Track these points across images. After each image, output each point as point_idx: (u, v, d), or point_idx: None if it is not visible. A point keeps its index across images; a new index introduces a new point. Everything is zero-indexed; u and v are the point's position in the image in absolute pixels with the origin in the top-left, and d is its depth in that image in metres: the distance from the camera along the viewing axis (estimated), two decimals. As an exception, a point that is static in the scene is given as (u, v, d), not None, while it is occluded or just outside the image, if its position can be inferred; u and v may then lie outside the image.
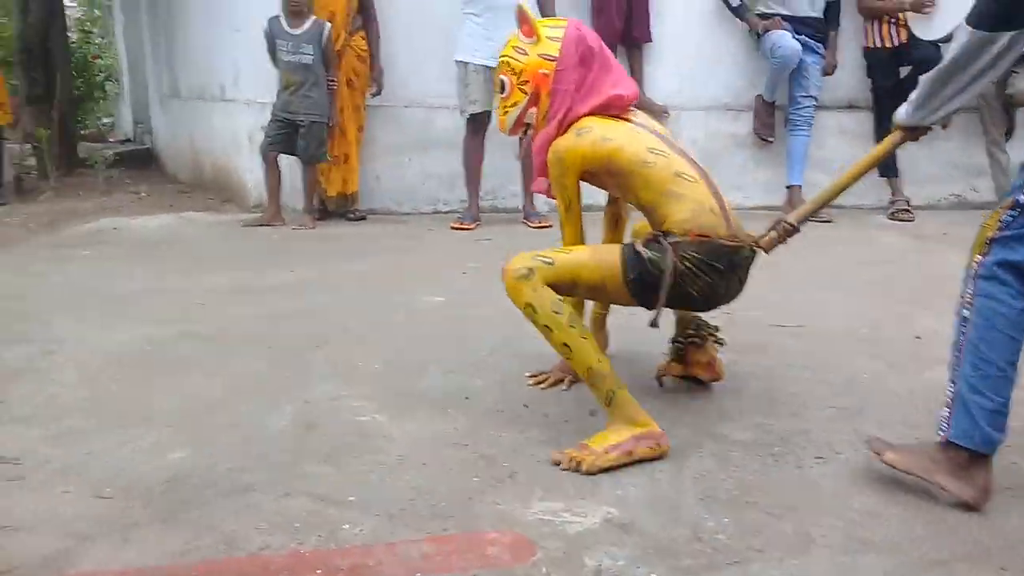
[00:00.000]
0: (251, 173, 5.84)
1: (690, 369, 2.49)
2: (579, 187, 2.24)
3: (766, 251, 2.17)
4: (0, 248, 4.77)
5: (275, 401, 2.39)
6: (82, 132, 10.03)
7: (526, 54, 2.27)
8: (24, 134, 7.74)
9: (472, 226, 5.26)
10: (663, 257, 2.04)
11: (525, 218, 5.48)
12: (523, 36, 2.29)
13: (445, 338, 2.95)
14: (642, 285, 2.07)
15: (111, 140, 11.77)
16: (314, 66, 5.24)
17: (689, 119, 6.16)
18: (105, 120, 13.06)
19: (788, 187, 5.77)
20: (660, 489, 1.91)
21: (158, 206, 6.31)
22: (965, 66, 1.80)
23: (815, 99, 5.70)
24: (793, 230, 2.15)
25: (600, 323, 2.62)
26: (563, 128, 2.25)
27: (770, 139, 5.99)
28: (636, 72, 6.08)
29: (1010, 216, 1.79)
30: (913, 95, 2.04)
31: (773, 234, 2.15)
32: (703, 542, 1.69)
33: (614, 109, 2.26)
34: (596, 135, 2.16)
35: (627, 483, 1.93)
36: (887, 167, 5.54)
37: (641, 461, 2.00)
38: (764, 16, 5.70)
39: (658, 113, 6.15)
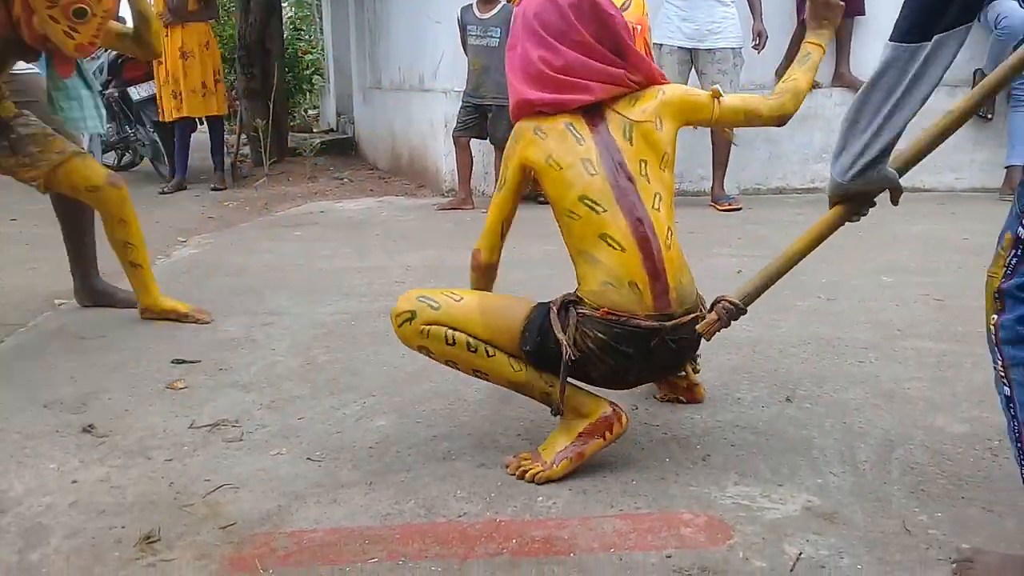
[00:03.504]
0: (445, 159, 6.04)
1: (675, 391, 2.24)
2: (521, 176, 1.94)
3: (706, 338, 1.77)
4: (222, 229, 5.20)
5: (471, 375, 2.46)
6: (290, 123, 10.72)
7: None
8: (241, 125, 8.39)
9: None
10: (567, 333, 1.79)
11: (714, 201, 5.38)
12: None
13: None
14: (537, 358, 1.84)
15: (316, 130, 12.53)
16: (499, 49, 5.35)
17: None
18: (310, 111, 13.92)
19: (1007, 167, 5.33)
20: (865, 480, 1.82)
21: (359, 191, 6.68)
22: (883, 85, 1.38)
23: (1043, 72, 5.21)
24: (736, 311, 1.73)
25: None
26: (518, 112, 1.94)
27: (989, 116, 5.56)
28: (844, 46, 5.81)
29: (1015, 257, 1.36)
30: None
31: (712, 316, 1.74)
32: (915, 536, 1.59)
33: (570, 106, 1.88)
34: (547, 150, 1.86)
35: (827, 471, 1.85)
36: None
37: (593, 460, 1.86)
38: (989, -15, 5.27)
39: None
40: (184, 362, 2.63)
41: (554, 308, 1.84)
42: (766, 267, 1.75)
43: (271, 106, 7.74)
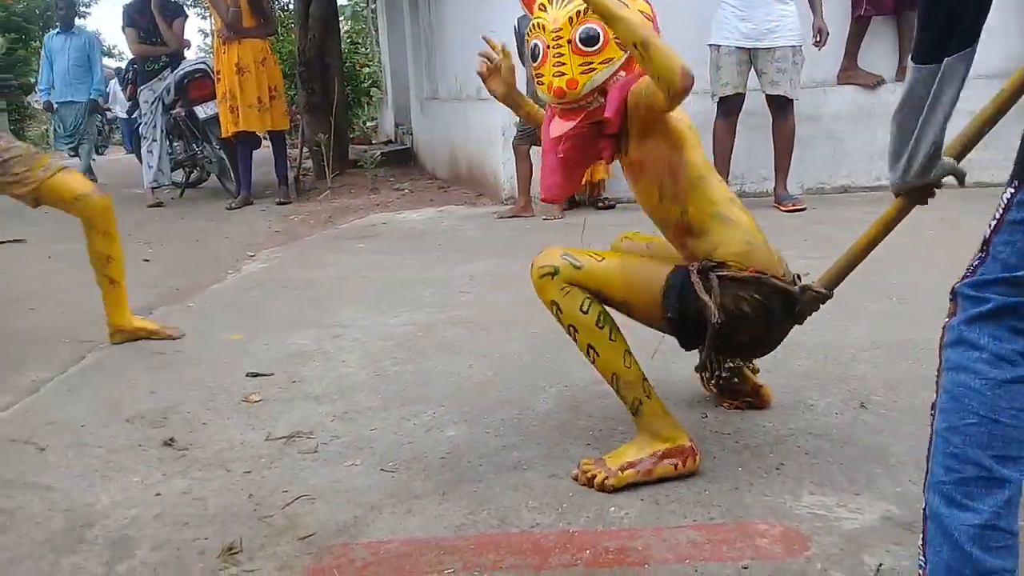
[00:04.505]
0: (504, 167, 6.07)
1: (742, 399, 2.24)
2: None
3: (798, 322, 1.92)
4: (288, 242, 5.31)
5: (539, 384, 2.47)
6: (350, 135, 10.89)
7: (626, 6, 1.80)
8: (303, 140, 8.55)
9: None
10: (712, 296, 1.78)
11: (777, 202, 5.31)
12: None
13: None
14: (682, 324, 1.84)
15: (375, 142, 12.69)
16: (560, 57, 5.36)
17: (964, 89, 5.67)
18: (369, 123, 14.11)
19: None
20: (946, 488, 1.78)
21: (420, 201, 6.75)
22: (912, 103, 1.40)
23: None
24: (823, 297, 1.87)
25: None
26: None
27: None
28: (907, 40, 5.68)
29: (978, 259, 1.29)
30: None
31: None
32: (1000, 547, 1.55)
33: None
34: (686, 122, 1.89)
35: (906, 479, 1.82)
36: None
37: (661, 481, 1.85)
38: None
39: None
40: (258, 375, 2.69)
41: (694, 271, 1.82)
42: (842, 256, 1.85)
43: (332, 120, 7.87)
